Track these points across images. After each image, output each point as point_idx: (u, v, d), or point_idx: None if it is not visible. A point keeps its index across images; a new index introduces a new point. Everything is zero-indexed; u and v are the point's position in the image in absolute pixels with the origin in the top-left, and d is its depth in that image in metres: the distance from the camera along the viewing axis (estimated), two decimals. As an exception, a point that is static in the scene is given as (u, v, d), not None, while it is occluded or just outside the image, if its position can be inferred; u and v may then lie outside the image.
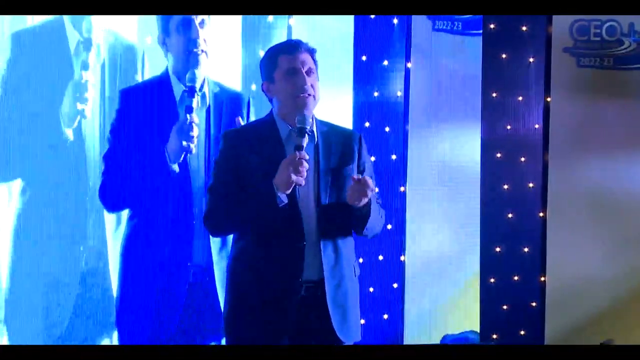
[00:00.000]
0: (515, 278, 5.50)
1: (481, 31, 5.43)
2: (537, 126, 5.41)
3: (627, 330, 5.29)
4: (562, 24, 5.30)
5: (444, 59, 5.51)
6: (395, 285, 5.42)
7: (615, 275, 5.35)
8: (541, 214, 5.37)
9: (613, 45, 5.27)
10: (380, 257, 5.39)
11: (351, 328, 3.48)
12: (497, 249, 5.48)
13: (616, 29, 5.28)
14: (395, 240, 5.44)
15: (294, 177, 3.25)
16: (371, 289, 5.38)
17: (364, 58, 5.50)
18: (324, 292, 3.39)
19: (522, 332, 5.44)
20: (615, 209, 5.34)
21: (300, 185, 3.31)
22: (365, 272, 5.09)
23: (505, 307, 5.49)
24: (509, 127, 5.47)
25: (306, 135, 3.33)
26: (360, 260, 5.20)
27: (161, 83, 4.21)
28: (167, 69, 4.25)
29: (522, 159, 5.45)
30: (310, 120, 3.38)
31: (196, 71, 4.08)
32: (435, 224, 5.47)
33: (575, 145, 5.35)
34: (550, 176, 5.34)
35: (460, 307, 5.52)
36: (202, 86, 4.14)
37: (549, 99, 5.34)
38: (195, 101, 4.03)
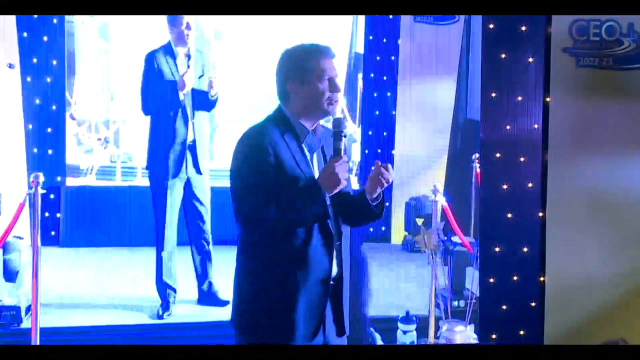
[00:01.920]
0: (515, 278, 5.51)
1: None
2: (536, 126, 5.41)
3: (626, 330, 5.29)
4: (561, 24, 5.29)
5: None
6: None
7: (614, 275, 5.35)
8: (540, 214, 5.37)
9: (612, 45, 5.27)
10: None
11: (347, 320, 3.56)
12: (497, 249, 5.48)
13: (615, 29, 5.27)
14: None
15: (343, 181, 3.33)
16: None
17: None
18: (341, 287, 3.48)
19: (522, 332, 5.44)
20: (614, 209, 5.34)
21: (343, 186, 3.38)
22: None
23: (504, 307, 5.50)
24: (508, 127, 5.47)
25: (343, 138, 3.37)
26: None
27: (166, 49, 6.25)
28: (169, 42, 6.24)
29: (522, 159, 5.45)
30: (346, 123, 3.41)
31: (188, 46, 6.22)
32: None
33: (575, 145, 5.34)
34: (550, 176, 5.33)
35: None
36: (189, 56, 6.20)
37: (548, 99, 5.33)
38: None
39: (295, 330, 3.37)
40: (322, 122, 3.60)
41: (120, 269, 7.51)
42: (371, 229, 8.96)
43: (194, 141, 6.25)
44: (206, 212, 6.43)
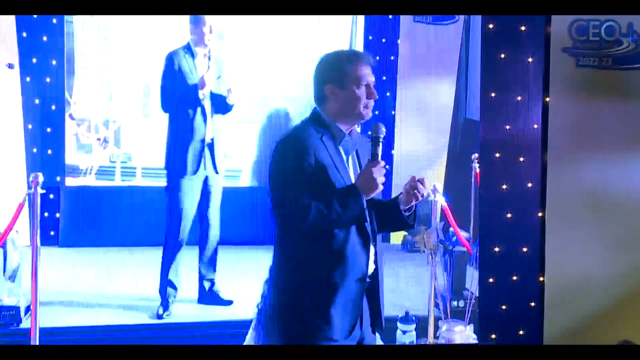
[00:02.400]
0: (514, 278, 5.51)
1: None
2: (536, 126, 5.41)
3: (626, 329, 5.29)
4: (561, 24, 5.30)
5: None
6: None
7: (613, 275, 5.35)
8: (540, 214, 5.37)
9: (612, 45, 5.27)
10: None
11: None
12: (496, 249, 5.48)
13: (615, 29, 5.27)
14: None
15: (380, 185, 3.42)
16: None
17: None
18: (378, 284, 3.58)
19: (521, 332, 5.44)
20: (613, 209, 5.34)
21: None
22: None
23: (504, 307, 5.50)
24: (508, 127, 5.47)
25: (380, 143, 3.46)
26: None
27: (186, 49, 6.36)
28: (189, 42, 6.37)
29: (521, 159, 5.45)
30: (383, 129, 3.49)
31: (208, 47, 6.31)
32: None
33: (574, 145, 5.34)
34: (549, 176, 5.34)
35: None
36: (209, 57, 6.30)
37: (547, 99, 5.33)
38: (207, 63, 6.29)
39: (332, 328, 3.43)
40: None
41: (119, 269, 7.51)
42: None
43: (212, 140, 6.33)
44: (218, 211, 6.46)
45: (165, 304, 6.24)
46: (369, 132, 3.49)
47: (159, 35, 8.47)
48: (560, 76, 5.32)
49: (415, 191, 3.48)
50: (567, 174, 5.33)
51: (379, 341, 3.74)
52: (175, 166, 6.28)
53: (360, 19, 9.30)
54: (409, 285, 7.02)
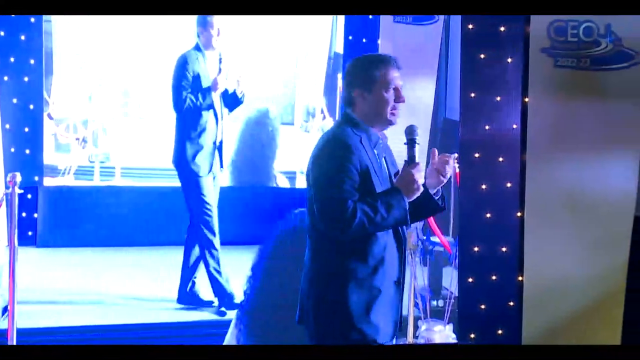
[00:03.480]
0: (493, 277, 5.52)
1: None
2: (515, 126, 5.42)
3: (603, 330, 5.31)
4: (539, 25, 5.30)
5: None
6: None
7: (591, 275, 5.36)
8: (519, 214, 5.38)
9: (590, 46, 5.29)
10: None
11: None
12: (475, 249, 5.49)
13: (593, 29, 5.29)
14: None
15: (421, 187, 3.48)
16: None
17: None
18: (404, 286, 3.63)
19: (500, 332, 5.46)
20: (591, 209, 5.36)
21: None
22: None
23: (483, 306, 5.51)
24: (487, 127, 5.49)
25: (416, 145, 3.53)
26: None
27: (197, 51, 6.38)
28: (197, 43, 6.38)
29: (500, 159, 5.47)
30: (418, 130, 3.55)
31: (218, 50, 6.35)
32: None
33: (553, 145, 5.36)
34: (528, 176, 5.34)
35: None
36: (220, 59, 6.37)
37: (526, 99, 5.34)
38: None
39: (377, 329, 3.48)
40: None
41: (98, 269, 7.47)
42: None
43: (221, 141, 6.44)
44: (216, 210, 6.51)
45: (225, 298, 6.31)
46: (406, 136, 3.54)
47: (138, 35, 8.44)
48: (539, 76, 5.33)
49: (446, 166, 3.55)
50: (545, 174, 5.34)
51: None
52: (189, 167, 6.34)
53: (341, 19, 9.30)
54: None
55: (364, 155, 3.48)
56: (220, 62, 6.35)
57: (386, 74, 3.55)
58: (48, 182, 8.42)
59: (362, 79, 3.57)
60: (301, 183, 9.39)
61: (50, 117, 8.59)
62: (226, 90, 6.43)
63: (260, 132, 9.08)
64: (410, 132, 3.53)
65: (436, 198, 3.64)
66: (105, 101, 8.67)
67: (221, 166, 6.49)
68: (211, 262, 6.35)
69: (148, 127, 8.92)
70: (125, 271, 7.36)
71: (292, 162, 9.49)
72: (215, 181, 6.47)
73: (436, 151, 3.61)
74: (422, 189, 3.47)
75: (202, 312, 6.29)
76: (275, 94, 9.07)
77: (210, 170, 6.36)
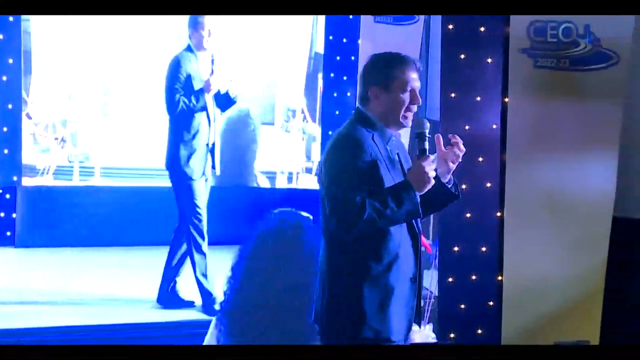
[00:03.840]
0: (473, 277, 5.53)
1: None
2: (494, 126, 5.43)
3: (581, 330, 5.33)
4: (519, 25, 5.33)
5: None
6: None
7: (570, 275, 5.39)
8: (499, 214, 5.40)
9: (569, 47, 5.31)
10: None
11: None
12: (455, 249, 5.50)
13: (572, 30, 5.32)
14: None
15: (432, 179, 3.44)
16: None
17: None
18: (420, 283, 3.64)
19: (480, 331, 5.47)
20: (571, 209, 5.39)
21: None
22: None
23: (463, 306, 5.52)
24: (467, 127, 5.49)
25: (427, 138, 3.50)
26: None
27: (189, 52, 6.34)
28: (189, 44, 6.34)
29: (480, 159, 5.47)
30: (427, 124, 3.52)
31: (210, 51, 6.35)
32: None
33: (532, 145, 5.38)
34: (508, 176, 5.37)
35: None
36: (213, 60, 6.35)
37: (506, 100, 5.36)
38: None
39: (390, 328, 3.49)
40: None
41: (77, 269, 7.44)
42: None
43: (213, 143, 6.44)
44: (204, 209, 6.50)
45: (208, 300, 6.29)
46: (416, 129, 3.52)
47: (118, 35, 8.40)
48: (518, 77, 5.35)
49: (456, 148, 3.57)
50: (525, 174, 5.36)
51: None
52: (182, 170, 6.33)
53: (321, 19, 9.29)
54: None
55: (376, 152, 3.48)
56: (212, 63, 6.35)
57: (404, 74, 3.54)
58: (27, 182, 8.37)
59: (379, 77, 3.56)
60: (281, 183, 9.38)
61: (29, 117, 8.54)
62: (218, 91, 6.42)
63: (241, 132, 9.06)
64: (420, 126, 3.51)
65: (449, 186, 3.65)
66: (85, 101, 8.63)
67: (213, 168, 6.48)
68: (199, 266, 6.34)
69: (128, 127, 8.89)
70: (104, 271, 7.33)
71: (272, 162, 9.48)
72: (206, 183, 6.47)
73: (441, 138, 3.59)
74: (433, 181, 3.45)
75: (184, 311, 6.28)
76: (255, 94, 9.06)
77: (203, 173, 6.36)
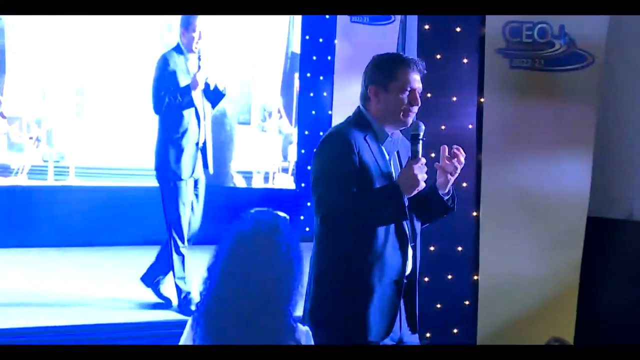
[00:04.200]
0: (449, 277, 5.55)
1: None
2: (470, 126, 5.45)
3: (556, 329, 5.36)
4: (495, 25, 5.35)
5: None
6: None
7: (545, 274, 5.42)
8: (474, 214, 5.42)
9: (544, 47, 5.34)
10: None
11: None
12: (432, 248, 5.51)
13: (547, 30, 5.35)
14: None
15: (422, 183, 3.42)
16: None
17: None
18: (415, 285, 3.64)
19: (455, 331, 5.49)
20: (545, 209, 5.42)
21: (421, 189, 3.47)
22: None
23: (439, 305, 5.53)
24: (443, 127, 5.50)
25: (420, 142, 3.47)
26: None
27: (177, 51, 6.28)
28: (179, 44, 6.29)
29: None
30: (423, 127, 3.49)
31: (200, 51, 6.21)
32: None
33: (508, 145, 5.40)
34: (483, 176, 5.39)
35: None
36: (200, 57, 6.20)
37: (482, 100, 5.38)
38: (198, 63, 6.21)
39: (368, 328, 3.49)
40: None
41: (51, 269, 7.39)
42: (307, 229, 8.94)
43: (204, 142, 6.34)
44: (201, 213, 6.45)
45: (185, 301, 6.24)
46: (410, 131, 3.51)
47: (92, 34, 8.36)
48: (494, 77, 5.37)
49: (454, 160, 3.51)
50: (501, 174, 5.39)
51: (417, 341, 3.78)
52: (170, 169, 6.25)
53: (298, 18, 9.29)
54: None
55: (366, 153, 3.48)
56: (199, 59, 6.25)
57: (404, 74, 3.53)
58: (1, 181, 8.31)
59: (379, 76, 3.57)
60: (258, 183, 9.37)
61: (2, 116, 8.47)
62: (208, 86, 6.33)
63: (217, 131, 9.03)
64: (415, 128, 3.50)
65: (445, 198, 3.61)
66: (59, 100, 8.57)
67: (205, 167, 6.38)
68: (176, 266, 6.30)
69: (103, 127, 8.84)
70: (79, 271, 7.28)
71: (249, 162, 9.46)
72: (199, 184, 6.39)
73: (446, 149, 3.57)
74: (422, 185, 3.43)
75: (159, 312, 6.25)
76: (232, 93, 9.02)
77: (192, 173, 6.28)
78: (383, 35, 8.92)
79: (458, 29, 5.46)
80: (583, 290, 5.50)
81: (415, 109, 3.56)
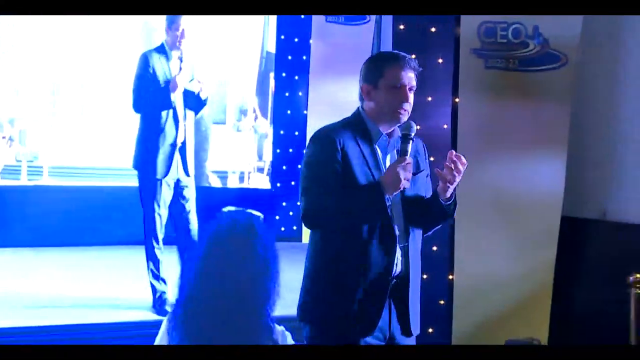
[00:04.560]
0: (424, 276, 5.55)
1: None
2: (445, 126, 5.47)
3: (530, 328, 5.38)
4: (470, 26, 5.37)
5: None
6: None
7: (520, 273, 5.45)
8: (449, 213, 5.43)
9: (518, 47, 5.37)
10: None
11: (416, 319, 3.70)
12: (407, 248, 5.52)
13: (521, 31, 5.37)
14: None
15: (404, 181, 3.39)
16: None
17: None
18: (407, 285, 3.58)
19: (430, 330, 5.50)
20: (520, 209, 5.44)
21: (406, 188, 3.46)
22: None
23: (414, 305, 5.54)
24: (418, 127, 5.50)
25: (410, 141, 3.47)
26: None
27: (160, 50, 6.23)
28: (163, 43, 6.22)
29: (431, 159, 5.48)
30: (415, 128, 3.49)
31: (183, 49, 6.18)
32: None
33: (483, 145, 5.42)
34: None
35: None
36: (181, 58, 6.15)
37: (457, 100, 5.40)
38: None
39: (353, 325, 3.49)
40: None
41: (26, 270, 7.34)
42: (282, 228, 8.94)
43: (183, 143, 6.26)
44: (193, 212, 6.39)
45: (159, 301, 6.20)
46: (401, 130, 3.51)
47: (66, 34, 8.31)
48: (469, 77, 5.39)
49: (452, 167, 3.48)
50: (475, 174, 5.40)
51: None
52: (147, 168, 6.20)
53: (273, 18, 9.28)
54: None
55: (353, 151, 3.47)
56: (181, 61, 6.21)
57: (393, 71, 3.52)
58: (-27, 181, 8.25)
59: (370, 75, 3.58)
60: (233, 182, 9.35)
61: (-25, 116, 8.41)
62: (190, 92, 6.28)
63: (193, 131, 9.02)
64: (406, 128, 3.49)
65: (447, 204, 3.56)
66: (33, 99, 8.52)
67: (185, 171, 6.29)
68: (152, 265, 6.27)
69: (77, 126, 8.79)
70: (53, 272, 7.24)
71: (224, 162, 9.44)
72: (182, 184, 6.32)
73: (453, 154, 3.53)
74: (406, 184, 3.41)
75: (134, 312, 6.22)
76: (206, 94, 9.00)
77: (167, 173, 6.20)
78: (358, 35, 8.94)
79: (433, 29, 5.48)
80: (557, 290, 5.53)
81: (406, 105, 3.52)
